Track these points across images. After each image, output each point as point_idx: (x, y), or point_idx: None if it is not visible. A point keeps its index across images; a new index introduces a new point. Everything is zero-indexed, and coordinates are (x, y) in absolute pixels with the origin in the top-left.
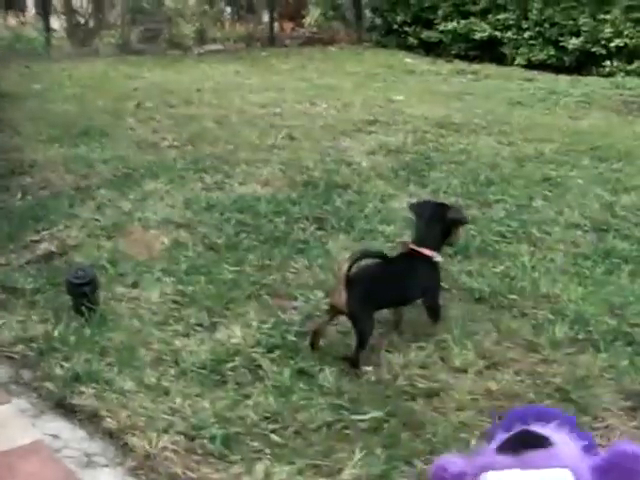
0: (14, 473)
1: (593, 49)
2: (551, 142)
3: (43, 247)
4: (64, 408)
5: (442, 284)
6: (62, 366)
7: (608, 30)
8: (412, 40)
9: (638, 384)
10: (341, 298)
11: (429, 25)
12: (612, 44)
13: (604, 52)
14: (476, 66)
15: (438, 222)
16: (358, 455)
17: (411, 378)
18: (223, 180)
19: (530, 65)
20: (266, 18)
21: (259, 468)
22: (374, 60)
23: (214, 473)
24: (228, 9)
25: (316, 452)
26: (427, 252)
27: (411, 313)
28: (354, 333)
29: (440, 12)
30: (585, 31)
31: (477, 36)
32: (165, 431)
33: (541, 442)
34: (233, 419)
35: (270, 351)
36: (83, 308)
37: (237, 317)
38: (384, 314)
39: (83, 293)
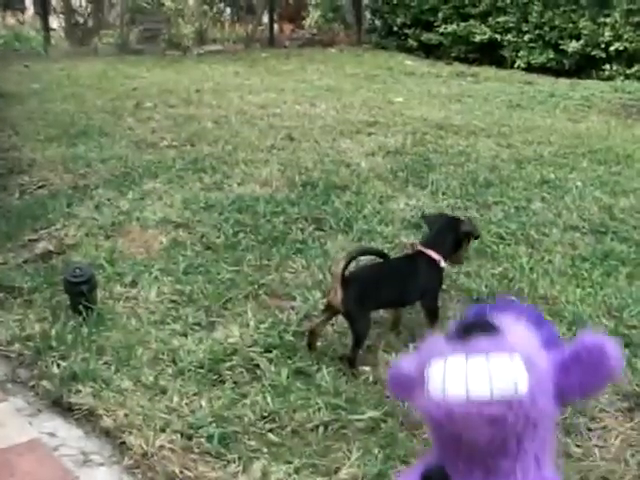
0: (11, 472)
1: (593, 52)
2: (550, 145)
3: (41, 246)
4: (61, 407)
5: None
6: (59, 365)
7: (608, 34)
8: (412, 42)
9: (635, 385)
10: (337, 297)
11: (429, 27)
12: (612, 48)
13: (604, 55)
14: (476, 69)
15: (450, 233)
16: (355, 455)
17: None
18: (222, 180)
19: (530, 68)
20: (266, 19)
21: (256, 467)
22: (374, 62)
23: (211, 472)
24: (228, 10)
25: (313, 451)
26: (434, 255)
27: (409, 314)
28: (350, 332)
29: (440, 14)
30: (585, 34)
31: (477, 39)
32: (162, 430)
33: (492, 328)
34: (230, 418)
35: (268, 351)
36: (81, 307)
37: (235, 317)
38: (382, 314)
39: (81, 292)
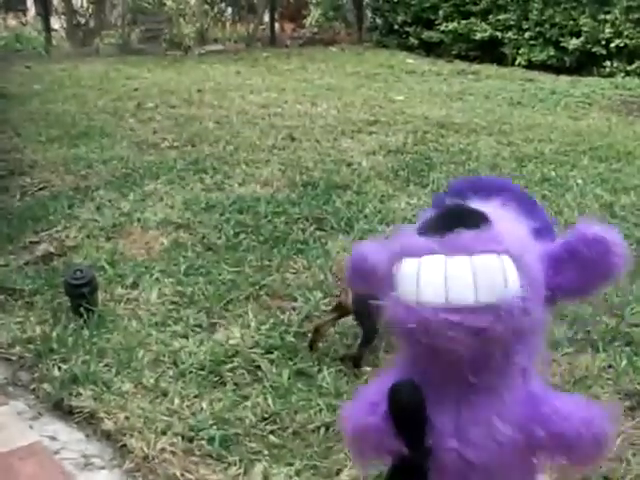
0: (12, 475)
1: (593, 49)
2: (551, 142)
3: (42, 248)
4: (62, 410)
5: None
6: (60, 368)
7: (608, 30)
8: (413, 40)
9: (637, 384)
10: (348, 298)
11: (430, 25)
12: (612, 44)
13: (604, 52)
14: (477, 66)
15: None
16: None
17: None
18: (223, 180)
19: (531, 65)
20: (267, 18)
21: (257, 469)
22: (375, 60)
23: (212, 474)
24: (229, 9)
25: (314, 453)
26: None
27: None
28: (360, 332)
29: (441, 12)
30: (585, 31)
31: (478, 36)
32: (163, 432)
33: (475, 220)
34: (231, 420)
35: (269, 352)
36: (81, 309)
37: (236, 318)
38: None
39: (82, 294)
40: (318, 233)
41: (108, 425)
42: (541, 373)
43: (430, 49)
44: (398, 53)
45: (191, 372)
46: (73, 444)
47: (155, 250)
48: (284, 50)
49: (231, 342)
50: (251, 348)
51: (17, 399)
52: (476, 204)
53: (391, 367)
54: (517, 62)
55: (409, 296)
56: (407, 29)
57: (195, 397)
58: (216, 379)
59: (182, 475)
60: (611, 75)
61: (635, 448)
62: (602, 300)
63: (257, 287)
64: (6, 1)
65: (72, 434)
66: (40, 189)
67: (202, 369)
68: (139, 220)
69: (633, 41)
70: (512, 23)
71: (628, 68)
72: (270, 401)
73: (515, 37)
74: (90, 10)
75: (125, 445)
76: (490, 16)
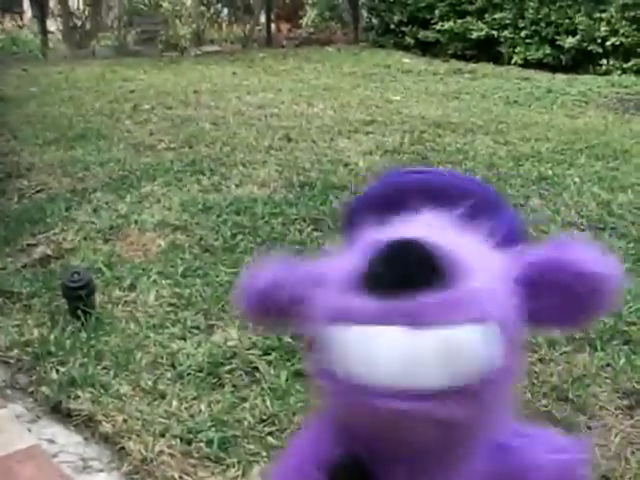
0: (11, 478)
1: (589, 48)
2: (548, 141)
3: (39, 251)
4: (60, 413)
5: None
6: (58, 370)
7: (604, 29)
8: (409, 40)
9: (635, 383)
10: None
11: (426, 25)
12: (608, 42)
13: (600, 50)
14: (473, 65)
15: None
16: None
17: None
18: (220, 182)
19: (527, 64)
20: (263, 19)
21: (255, 471)
22: (371, 60)
23: (211, 477)
24: (225, 10)
25: None
26: None
27: None
28: None
29: (437, 12)
30: (581, 30)
31: (474, 35)
32: (161, 435)
33: (432, 267)
34: (230, 422)
35: (267, 353)
36: (79, 312)
37: (234, 319)
38: None
39: (79, 297)
40: (315, 234)
41: (106, 428)
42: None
43: (426, 49)
44: (394, 53)
45: (189, 374)
46: (71, 447)
47: (152, 252)
48: (280, 50)
49: (229, 344)
50: (249, 349)
51: (15, 402)
52: (425, 229)
53: (323, 418)
54: (513, 61)
55: (355, 375)
56: (403, 29)
57: (193, 399)
58: (214, 381)
59: (180, 477)
60: (607, 73)
61: (634, 447)
62: None
63: None
64: (2, 3)
65: (70, 437)
66: (37, 192)
67: (200, 371)
68: (136, 222)
69: (629, 39)
70: (508, 22)
71: (624, 66)
72: (268, 402)
73: (511, 36)
74: (86, 12)
75: (123, 448)
76: (486, 15)
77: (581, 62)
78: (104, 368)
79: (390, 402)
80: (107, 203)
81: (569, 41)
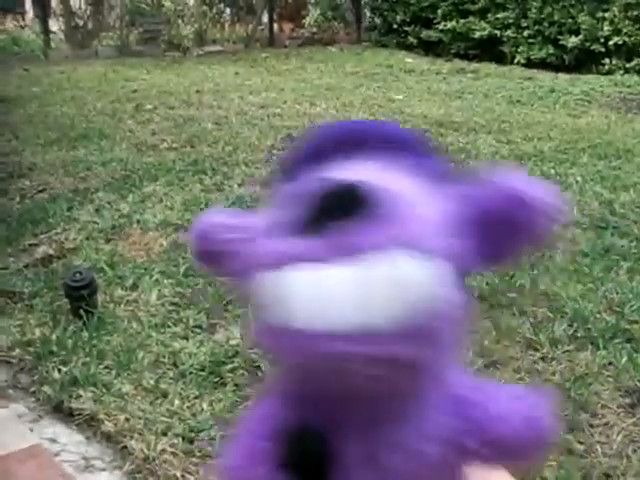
0: (12, 478)
1: (592, 47)
2: (550, 140)
3: (41, 250)
4: (62, 412)
5: None
6: (60, 370)
7: (607, 28)
8: (412, 39)
9: (637, 381)
10: None
11: (428, 24)
12: (611, 42)
13: (603, 50)
14: (476, 65)
15: None
16: None
17: None
18: (222, 181)
19: (529, 64)
20: (265, 19)
21: None
22: (374, 60)
23: (213, 475)
24: (227, 10)
25: None
26: None
27: None
28: None
29: (439, 11)
30: (584, 29)
31: (476, 35)
32: (164, 434)
33: (361, 202)
34: (232, 421)
35: None
36: (81, 311)
37: (236, 318)
38: None
39: (81, 296)
40: None
41: (108, 427)
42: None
43: (429, 48)
44: (397, 52)
45: (191, 373)
46: (73, 446)
47: (154, 251)
48: (283, 50)
49: (231, 342)
50: (251, 348)
51: (17, 402)
52: (354, 171)
53: (272, 390)
54: (516, 60)
55: (282, 319)
56: (406, 28)
57: (195, 398)
58: (216, 380)
59: (183, 476)
60: (610, 73)
61: (636, 444)
62: (602, 297)
63: None
64: (3, 4)
65: (72, 436)
66: (39, 191)
67: (202, 370)
68: (138, 222)
69: (632, 38)
70: (511, 21)
71: (627, 65)
72: None
73: (514, 35)
74: (88, 12)
75: (125, 447)
76: (489, 15)
77: (584, 62)
78: (106, 367)
79: (343, 345)
80: (109, 203)
81: (572, 41)
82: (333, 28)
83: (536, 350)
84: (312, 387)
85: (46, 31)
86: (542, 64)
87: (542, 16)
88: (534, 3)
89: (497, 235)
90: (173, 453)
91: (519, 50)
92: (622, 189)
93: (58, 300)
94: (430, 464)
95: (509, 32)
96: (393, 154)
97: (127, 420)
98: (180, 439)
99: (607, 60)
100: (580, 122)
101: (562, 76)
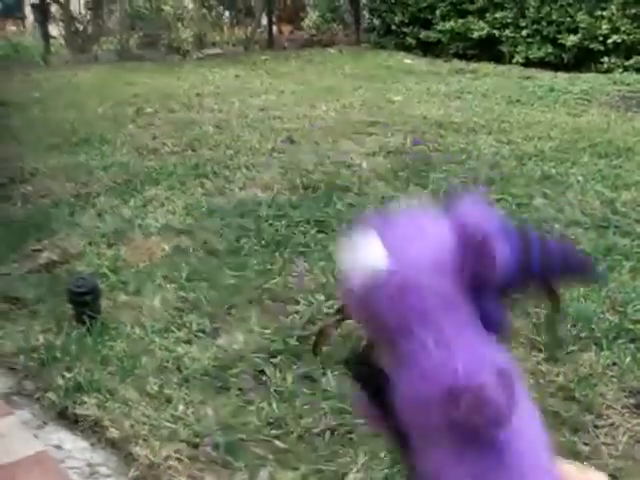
0: None
1: (591, 46)
2: (551, 140)
3: (44, 256)
4: (67, 418)
5: None
6: (64, 376)
7: (605, 26)
8: (410, 40)
9: None
10: None
11: (427, 25)
12: (609, 40)
13: (602, 48)
14: (475, 65)
15: None
16: (362, 459)
17: None
18: (223, 185)
19: (528, 63)
20: (264, 21)
21: (263, 474)
22: (373, 61)
23: None
24: (227, 13)
25: (320, 457)
26: None
27: None
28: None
29: (438, 12)
30: (582, 28)
31: (475, 35)
32: (168, 439)
33: None
34: (236, 426)
35: (273, 356)
36: (85, 317)
37: (239, 322)
38: None
39: (84, 302)
40: (320, 236)
41: (113, 433)
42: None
43: (428, 49)
44: (396, 53)
45: (195, 378)
46: (78, 453)
47: (157, 256)
48: (282, 52)
49: (235, 347)
50: (254, 353)
51: (22, 408)
52: None
53: None
54: (515, 60)
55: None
56: (404, 29)
57: (199, 403)
58: (220, 384)
59: None
60: (609, 71)
61: None
62: (605, 297)
63: (260, 291)
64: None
65: (77, 443)
66: (41, 197)
67: (206, 375)
68: (140, 226)
69: (630, 36)
70: (509, 21)
71: (626, 64)
72: (275, 405)
73: (512, 35)
74: (88, 17)
75: (130, 453)
76: (487, 14)
77: (583, 60)
78: (110, 373)
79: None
80: (111, 207)
81: (570, 39)
82: (332, 30)
83: (540, 351)
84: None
85: (46, 36)
86: (541, 63)
87: (540, 15)
88: (532, 2)
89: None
90: (178, 459)
91: (518, 49)
92: (623, 188)
93: (61, 306)
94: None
95: (507, 32)
96: None
97: (132, 426)
98: (185, 445)
99: (606, 58)
100: (580, 121)
101: (561, 75)
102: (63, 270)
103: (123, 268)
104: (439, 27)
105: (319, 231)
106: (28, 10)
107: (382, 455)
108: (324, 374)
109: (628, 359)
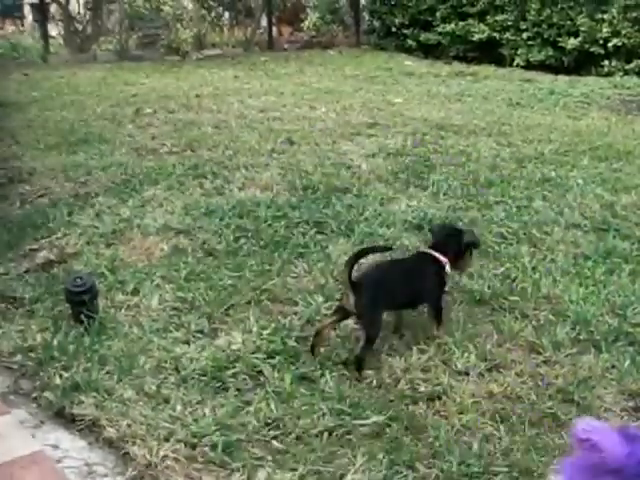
0: None
1: (591, 49)
2: (551, 142)
3: (42, 255)
4: (64, 418)
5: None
6: (61, 375)
7: (606, 30)
8: (411, 42)
9: None
10: (349, 301)
11: (427, 27)
12: (610, 44)
13: (602, 52)
14: (475, 67)
15: (454, 241)
16: (360, 460)
17: (412, 382)
18: (222, 185)
19: (529, 66)
20: (264, 22)
21: (261, 475)
22: (373, 63)
23: None
24: (226, 14)
25: (318, 458)
26: (442, 258)
27: (412, 316)
28: (362, 334)
29: (438, 14)
30: (583, 31)
31: (475, 37)
32: (166, 439)
33: None
34: (234, 426)
35: (271, 357)
36: (82, 316)
37: (237, 323)
38: (384, 317)
39: (82, 301)
40: (319, 237)
41: (110, 433)
42: None
43: (428, 51)
44: (396, 55)
45: (193, 378)
46: (75, 452)
47: (155, 256)
48: (282, 54)
49: (233, 347)
50: (253, 353)
51: (19, 408)
52: None
53: None
54: (515, 63)
55: None
56: (405, 31)
57: (197, 403)
58: (218, 385)
59: None
60: (609, 74)
61: None
62: (604, 300)
63: (258, 292)
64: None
65: (74, 442)
66: (39, 196)
67: (204, 375)
68: (139, 226)
69: (631, 40)
70: (510, 24)
71: (626, 67)
72: (273, 406)
73: (513, 38)
74: (87, 16)
75: (128, 453)
76: (488, 17)
77: (583, 63)
78: (107, 373)
79: None
80: (109, 207)
81: (571, 42)
82: (332, 31)
83: (539, 353)
84: None
85: (45, 36)
86: (541, 66)
87: (541, 18)
88: (533, 5)
89: None
90: (175, 459)
91: (518, 52)
92: (623, 191)
93: (59, 305)
94: None
95: (508, 34)
96: None
97: (129, 426)
98: (182, 445)
99: (606, 62)
100: (580, 124)
101: (561, 78)
102: (61, 270)
103: (121, 268)
104: (439, 29)
105: (318, 232)
106: (27, 10)
107: (380, 456)
108: (322, 375)
109: (627, 362)
